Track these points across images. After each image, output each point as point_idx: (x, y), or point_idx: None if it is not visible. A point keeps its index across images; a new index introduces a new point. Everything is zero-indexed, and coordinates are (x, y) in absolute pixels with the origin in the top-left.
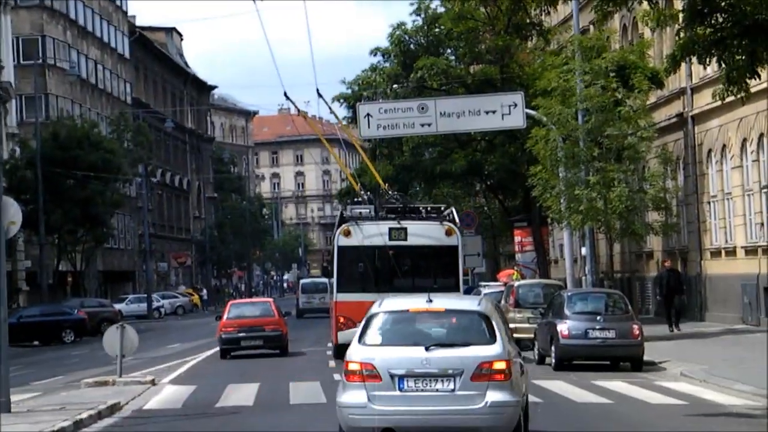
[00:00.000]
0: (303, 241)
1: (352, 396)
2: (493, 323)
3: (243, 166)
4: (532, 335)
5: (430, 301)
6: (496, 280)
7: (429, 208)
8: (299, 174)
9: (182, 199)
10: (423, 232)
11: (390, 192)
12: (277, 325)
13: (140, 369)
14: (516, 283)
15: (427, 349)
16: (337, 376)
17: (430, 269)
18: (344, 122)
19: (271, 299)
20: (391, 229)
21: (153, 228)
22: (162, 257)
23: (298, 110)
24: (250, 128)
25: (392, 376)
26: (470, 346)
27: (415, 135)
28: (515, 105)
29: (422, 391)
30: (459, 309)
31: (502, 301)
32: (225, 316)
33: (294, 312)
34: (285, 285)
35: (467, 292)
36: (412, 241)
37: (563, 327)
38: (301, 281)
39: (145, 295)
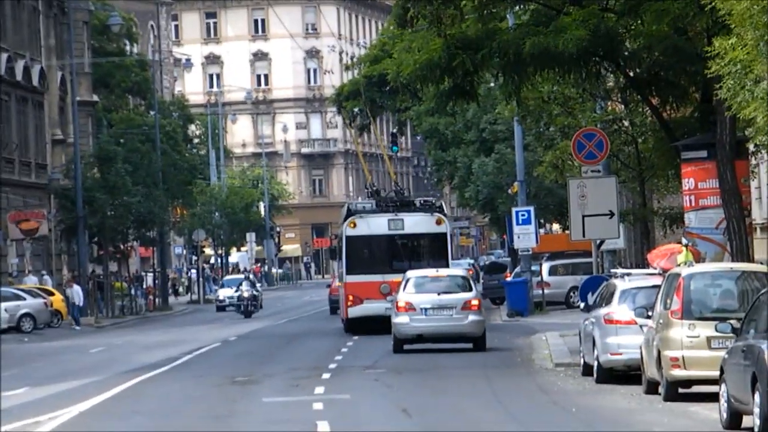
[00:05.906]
0: (267, 189)
1: (401, 319)
2: (471, 281)
3: (149, 41)
4: (715, 371)
5: (437, 270)
6: (645, 264)
7: (422, 201)
8: (259, 57)
9: (31, 106)
10: (417, 222)
11: (396, 187)
12: None
13: None
14: (685, 272)
15: (438, 294)
16: None
17: (423, 253)
18: None
19: None
20: (390, 221)
21: None
22: None
23: (348, 122)
24: None
25: (422, 309)
26: (460, 293)
27: None
28: None
29: (436, 315)
30: (453, 274)
31: (657, 307)
32: (333, 284)
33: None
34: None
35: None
36: (407, 230)
37: None
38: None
39: None
